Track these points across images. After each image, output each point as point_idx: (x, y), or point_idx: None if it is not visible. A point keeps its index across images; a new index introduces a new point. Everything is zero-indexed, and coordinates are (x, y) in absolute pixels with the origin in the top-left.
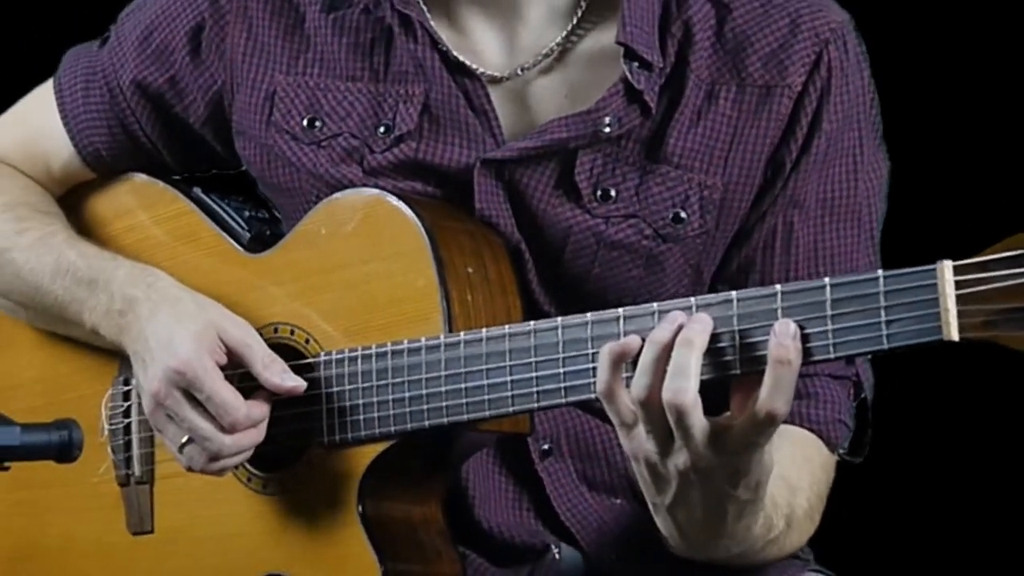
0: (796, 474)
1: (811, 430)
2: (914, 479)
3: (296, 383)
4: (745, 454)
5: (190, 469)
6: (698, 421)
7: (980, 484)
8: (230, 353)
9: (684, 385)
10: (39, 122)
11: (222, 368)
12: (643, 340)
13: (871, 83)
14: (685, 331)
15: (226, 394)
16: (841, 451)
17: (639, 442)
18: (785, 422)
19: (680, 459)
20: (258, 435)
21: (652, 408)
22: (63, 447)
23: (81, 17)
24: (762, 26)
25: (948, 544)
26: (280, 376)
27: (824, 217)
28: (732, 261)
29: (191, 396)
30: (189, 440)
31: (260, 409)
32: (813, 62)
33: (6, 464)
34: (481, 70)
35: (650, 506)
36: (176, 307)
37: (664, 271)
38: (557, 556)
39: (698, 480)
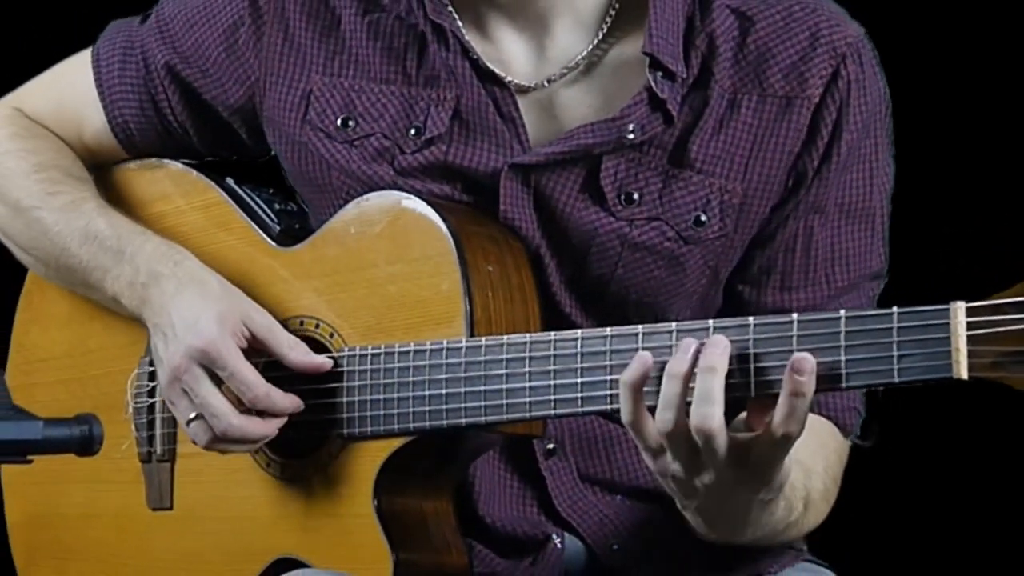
0: (811, 459)
1: (828, 417)
2: (905, 472)
3: (323, 360)
4: (766, 467)
5: (194, 443)
6: (723, 442)
7: (971, 474)
8: (253, 339)
9: (711, 411)
10: (75, 87)
11: (244, 353)
12: (652, 359)
13: (886, 92)
14: (705, 357)
15: (248, 373)
16: (854, 437)
17: (665, 464)
18: None
19: (706, 477)
20: (266, 428)
21: (678, 437)
22: (84, 442)
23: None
24: (783, 39)
25: (938, 535)
26: (305, 355)
27: (841, 221)
28: (754, 263)
29: (211, 374)
30: (197, 416)
31: (282, 396)
32: (831, 75)
33: (29, 458)
34: (510, 79)
35: (679, 506)
36: (203, 288)
37: (685, 272)
38: (559, 545)
39: (725, 491)
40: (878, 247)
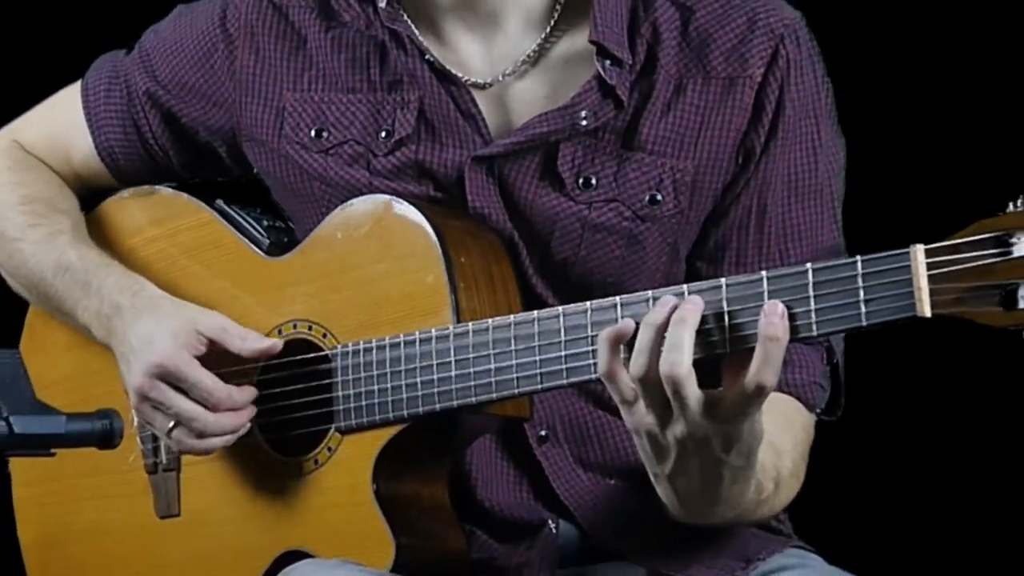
0: (780, 438)
1: (790, 393)
2: (889, 460)
3: (272, 343)
4: (737, 423)
5: (180, 451)
6: (693, 392)
7: (954, 461)
8: (210, 344)
9: (679, 358)
10: (66, 116)
11: (204, 357)
12: (637, 324)
13: (824, 75)
14: (678, 311)
15: (207, 380)
16: (818, 411)
17: (640, 416)
18: None
19: (678, 429)
20: (239, 419)
21: (650, 383)
22: (105, 434)
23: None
24: (722, 24)
25: (922, 520)
26: (257, 340)
27: (790, 197)
28: (709, 239)
29: (175, 386)
30: (176, 424)
31: (241, 393)
32: (771, 55)
33: (52, 450)
34: (466, 78)
35: (652, 477)
36: (156, 312)
37: (644, 249)
38: (554, 530)
39: (695, 448)
40: (830, 223)
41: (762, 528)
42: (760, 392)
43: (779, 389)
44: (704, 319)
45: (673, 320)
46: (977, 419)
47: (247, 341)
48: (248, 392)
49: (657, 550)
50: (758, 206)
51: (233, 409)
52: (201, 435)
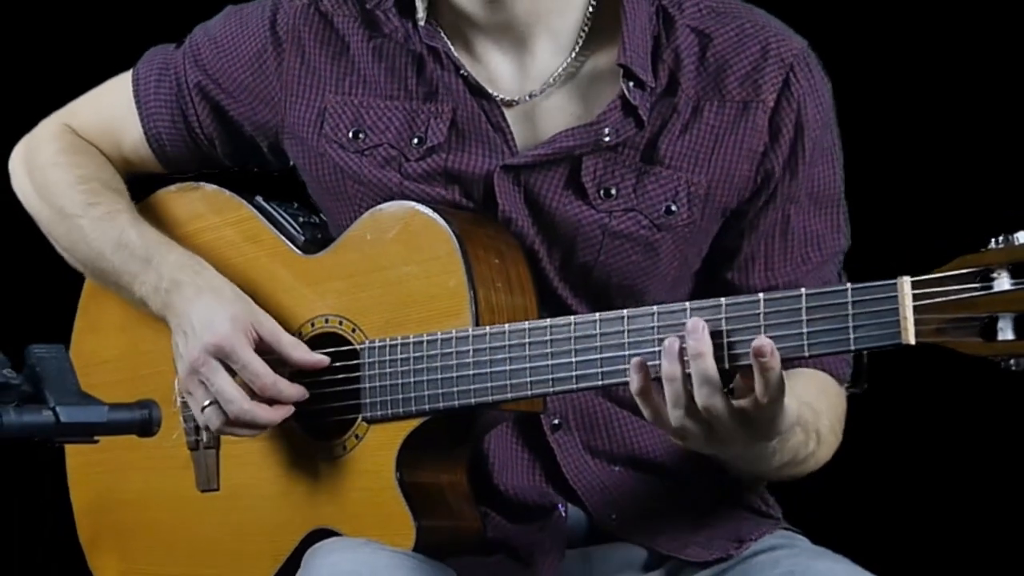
0: (816, 401)
1: (822, 369)
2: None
3: (320, 358)
4: (769, 422)
5: (206, 428)
6: (727, 412)
7: (933, 447)
8: (260, 341)
9: (711, 391)
10: (117, 103)
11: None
12: (648, 364)
13: (830, 93)
14: (692, 346)
15: (257, 364)
16: (846, 384)
17: (683, 435)
18: (800, 367)
19: (721, 434)
20: (273, 415)
21: (692, 419)
22: (144, 424)
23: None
24: (737, 51)
25: (901, 505)
26: (307, 354)
27: (812, 208)
28: (740, 252)
29: (226, 366)
30: (211, 403)
31: (290, 387)
32: (783, 82)
33: (95, 438)
34: (497, 94)
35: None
36: (218, 294)
37: (659, 256)
38: (563, 513)
39: (740, 440)
40: (843, 227)
41: (754, 512)
42: (775, 403)
43: (811, 366)
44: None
45: (691, 355)
46: (944, 422)
47: (296, 351)
48: (296, 389)
49: (657, 532)
50: (783, 218)
51: (276, 400)
52: (231, 421)
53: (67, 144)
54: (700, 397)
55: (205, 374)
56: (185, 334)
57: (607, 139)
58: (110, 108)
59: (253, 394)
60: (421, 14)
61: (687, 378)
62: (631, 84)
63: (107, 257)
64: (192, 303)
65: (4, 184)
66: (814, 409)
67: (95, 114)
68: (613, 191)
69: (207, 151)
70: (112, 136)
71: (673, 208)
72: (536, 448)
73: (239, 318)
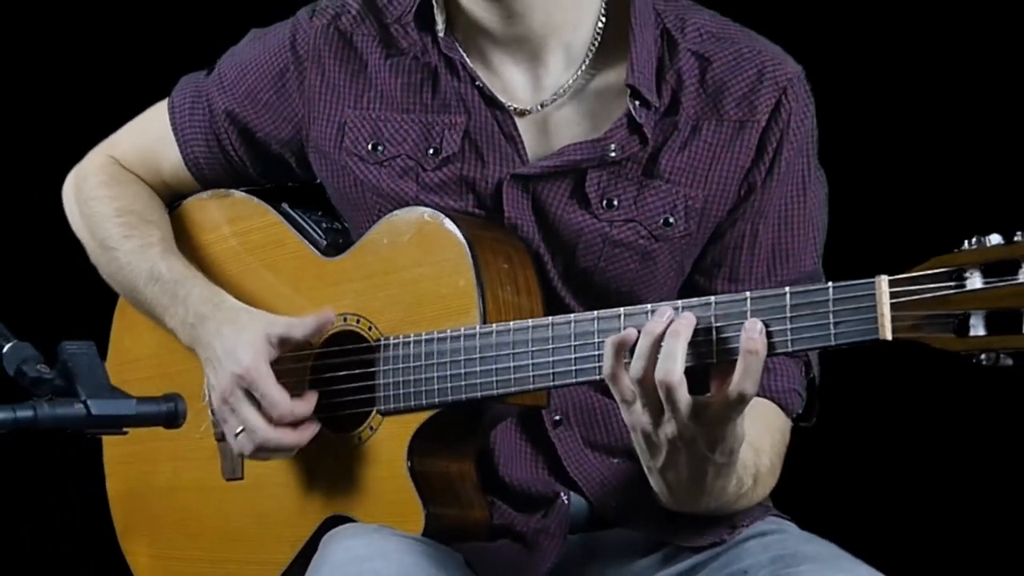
0: (759, 439)
1: (771, 399)
2: (849, 445)
3: (326, 313)
4: (721, 426)
5: (240, 453)
6: (683, 397)
7: (916, 436)
8: (280, 343)
9: (672, 367)
10: (155, 132)
11: (277, 360)
12: (639, 332)
13: (814, 120)
14: (674, 324)
15: (276, 395)
16: (795, 417)
17: (637, 416)
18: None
19: (669, 429)
20: (298, 437)
21: (647, 387)
22: (170, 416)
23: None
24: (735, 74)
25: (887, 493)
26: (313, 319)
27: (781, 225)
28: (707, 256)
29: (250, 395)
30: (243, 430)
31: (303, 406)
32: (775, 103)
33: (124, 429)
34: (510, 104)
35: (645, 469)
36: (235, 324)
37: (656, 265)
38: (566, 502)
39: (683, 446)
40: (812, 249)
41: None
42: (741, 399)
43: (762, 395)
44: (696, 332)
45: (669, 333)
46: (924, 413)
47: (306, 324)
48: (306, 404)
49: (654, 519)
50: (751, 231)
51: (293, 423)
52: (259, 447)
53: (109, 176)
54: (660, 371)
55: (233, 404)
56: (214, 367)
57: (613, 154)
58: (149, 137)
59: None
60: (440, 26)
61: (661, 340)
62: (637, 103)
63: (140, 289)
64: (215, 337)
65: (37, 187)
66: (756, 448)
67: (135, 143)
68: (615, 202)
69: (241, 171)
70: (152, 163)
71: (671, 220)
72: (539, 443)
73: (255, 340)
